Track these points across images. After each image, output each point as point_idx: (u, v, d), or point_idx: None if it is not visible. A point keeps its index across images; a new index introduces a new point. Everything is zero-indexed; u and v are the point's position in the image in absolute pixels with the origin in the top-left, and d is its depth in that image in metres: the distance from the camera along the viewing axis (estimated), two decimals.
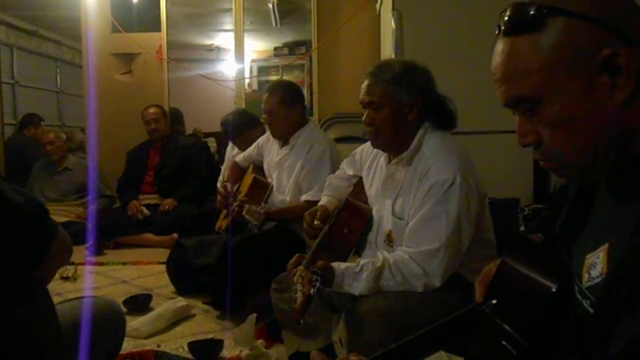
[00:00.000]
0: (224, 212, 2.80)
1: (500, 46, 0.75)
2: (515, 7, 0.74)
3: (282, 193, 2.54)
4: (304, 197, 2.43)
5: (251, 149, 2.85)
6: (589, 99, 0.70)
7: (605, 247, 0.71)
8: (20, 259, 0.90)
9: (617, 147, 0.71)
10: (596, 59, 0.69)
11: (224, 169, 3.06)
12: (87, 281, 3.06)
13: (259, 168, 2.76)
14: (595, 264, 0.72)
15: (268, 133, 2.74)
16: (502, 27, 0.75)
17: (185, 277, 2.74)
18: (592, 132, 0.71)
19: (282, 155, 2.57)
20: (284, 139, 2.58)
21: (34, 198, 0.97)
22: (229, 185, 2.74)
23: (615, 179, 0.74)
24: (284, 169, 2.55)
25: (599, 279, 0.71)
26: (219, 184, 2.79)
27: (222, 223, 2.90)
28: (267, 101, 2.53)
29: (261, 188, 2.58)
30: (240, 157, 2.94)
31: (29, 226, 0.92)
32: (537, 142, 0.76)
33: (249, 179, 2.69)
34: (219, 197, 2.75)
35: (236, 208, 2.39)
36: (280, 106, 2.49)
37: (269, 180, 2.64)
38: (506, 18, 0.74)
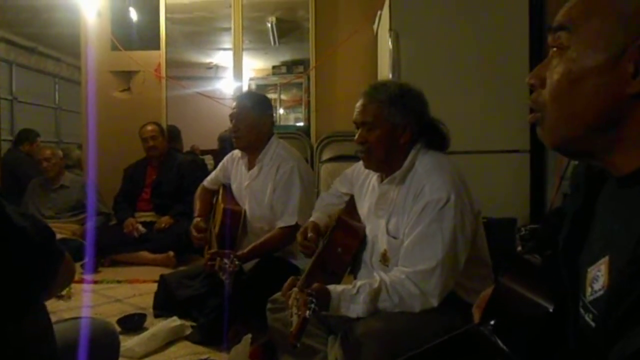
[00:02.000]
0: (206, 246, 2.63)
1: None
2: None
3: (259, 220, 2.48)
4: (278, 224, 2.38)
5: (217, 171, 2.75)
6: (605, 73, 0.70)
7: (606, 259, 0.70)
8: (26, 284, 0.89)
9: (607, 135, 0.71)
10: (636, 43, 0.68)
11: (197, 197, 2.82)
12: (82, 300, 3.02)
13: (228, 189, 2.67)
14: (598, 277, 0.71)
15: (232, 153, 2.67)
16: None
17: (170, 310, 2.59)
18: (587, 106, 0.71)
19: (250, 179, 2.51)
20: (249, 151, 2.51)
21: (41, 222, 0.95)
22: (201, 225, 2.57)
23: (615, 190, 0.74)
24: (255, 195, 2.48)
25: (601, 292, 0.70)
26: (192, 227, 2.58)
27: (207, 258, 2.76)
28: (237, 105, 2.47)
29: (234, 217, 2.48)
30: (207, 180, 2.81)
31: (36, 251, 0.90)
32: (537, 85, 0.77)
33: (220, 209, 2.57)
34: (194, 237, 2.55)
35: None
36: (250, 111, 2.44)
37: (241, 203, 2.54)
38: None
